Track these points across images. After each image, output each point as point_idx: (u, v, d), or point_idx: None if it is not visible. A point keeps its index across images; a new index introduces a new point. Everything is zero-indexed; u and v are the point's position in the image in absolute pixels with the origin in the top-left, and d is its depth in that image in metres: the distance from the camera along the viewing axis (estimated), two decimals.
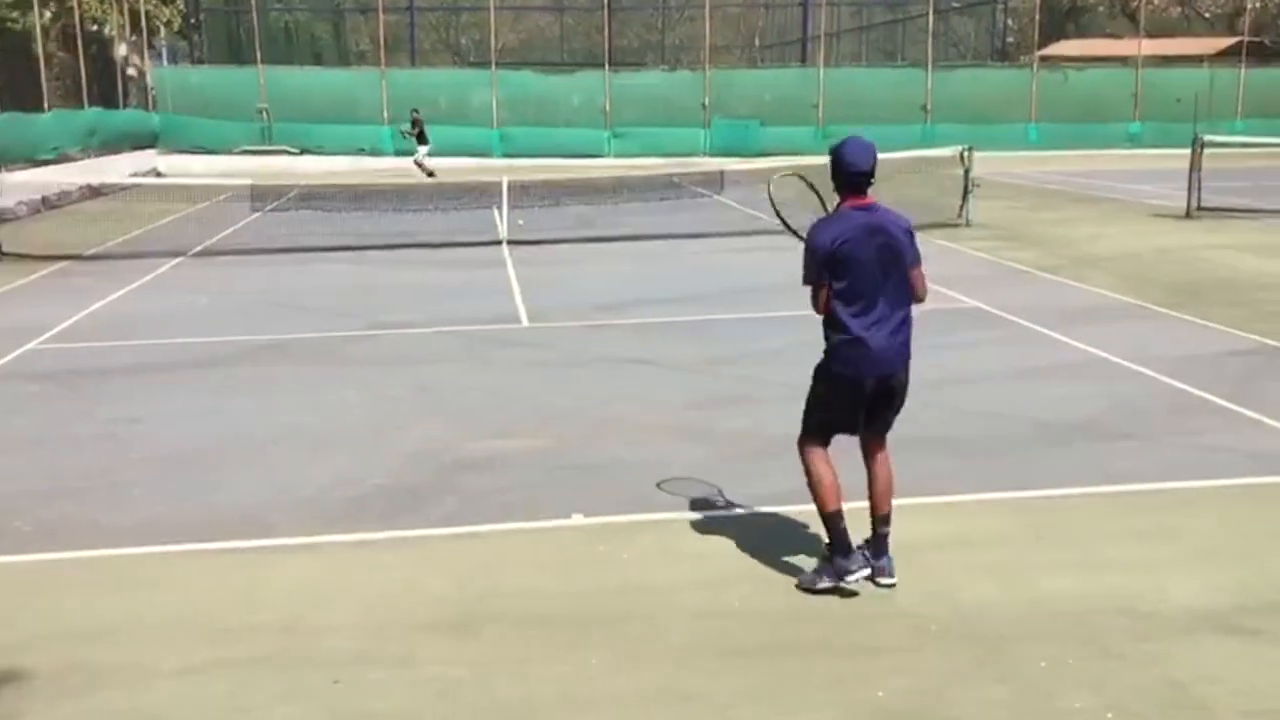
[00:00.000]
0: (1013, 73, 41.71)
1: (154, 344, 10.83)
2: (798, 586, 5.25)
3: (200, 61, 41.95)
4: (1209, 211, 19.56)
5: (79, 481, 6.91)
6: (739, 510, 6.25)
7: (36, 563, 5.72)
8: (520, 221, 18.59)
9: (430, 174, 28.49)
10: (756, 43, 56.77)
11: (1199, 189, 19.52)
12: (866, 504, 5.40)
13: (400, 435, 7.73)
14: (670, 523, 6.10)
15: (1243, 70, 39.82)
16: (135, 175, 29.18)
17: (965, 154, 19.03)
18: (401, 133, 30.71)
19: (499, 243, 17.25)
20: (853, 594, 5.14)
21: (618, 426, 7.88)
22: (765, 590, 5.25)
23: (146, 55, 37.93)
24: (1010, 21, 51.42)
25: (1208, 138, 20.42)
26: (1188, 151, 19.91)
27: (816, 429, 5.38)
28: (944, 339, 10.49)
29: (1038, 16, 42.92)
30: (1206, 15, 55.44)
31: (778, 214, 6.04)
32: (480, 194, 21.56)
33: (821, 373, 5.39)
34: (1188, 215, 19.41)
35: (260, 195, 22.72)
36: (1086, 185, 26.75)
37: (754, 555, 5.67)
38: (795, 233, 5.69)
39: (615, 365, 9.73)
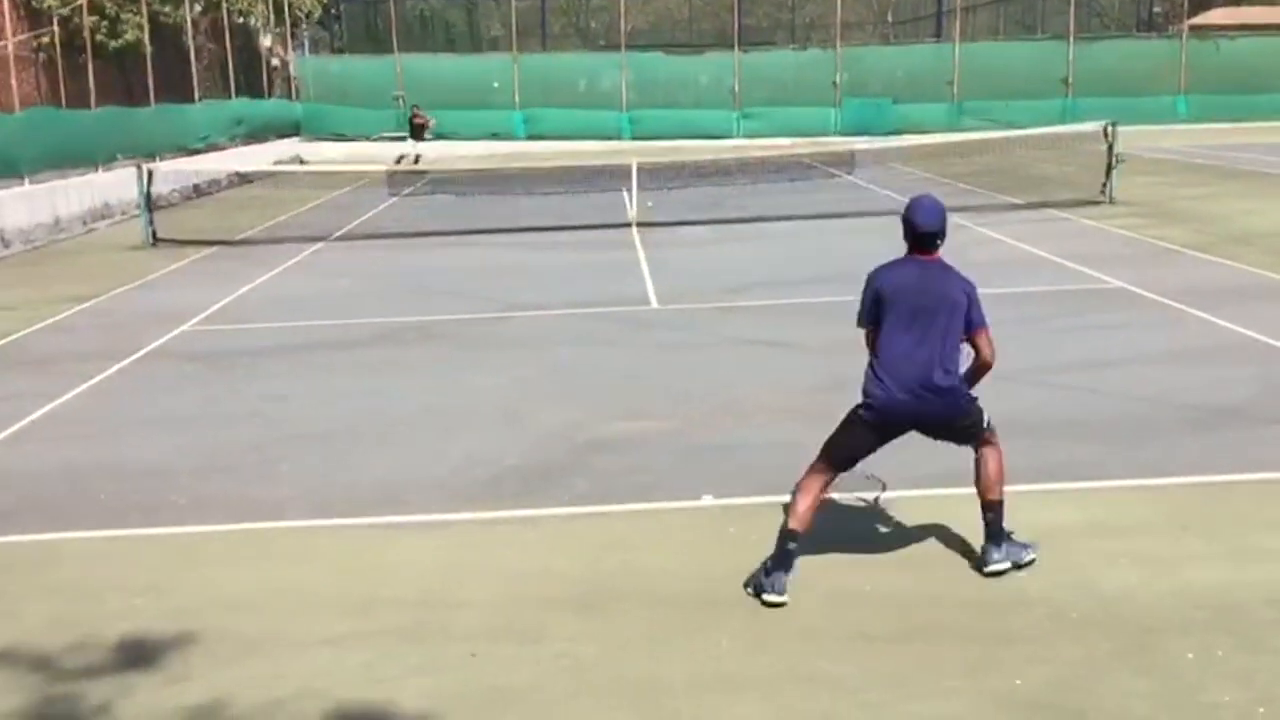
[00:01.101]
0: (1160, 43, 40.02)
1: (298, 326, 11.21)
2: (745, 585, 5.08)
3: (340, 51, 43.09)
4: None
5: (230, 458, 7.20)
6: (868, 493, 6.17)
7: (191, 534, 5.99)
8: (649, 204, 18.65)
9: (402, 159, 27.92)
10: (889, 19, 55.67)
11: None
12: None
13: (532, 416, 7.85)
14: None
15: None
16: (279, 163, 30.18)
17: (1109, 129, 18.38)
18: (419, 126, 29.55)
19: (628, 225, 17.33)
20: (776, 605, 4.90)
21: (747, 409, 7.86)
22: (897, 574, 5.19)
23: (290, 46, 39.10)
24: None
25: None
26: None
27: (825, 452, 5.32)
28: (1087, 320, 10.19)
29: None
30: None
31: None
32: (610, 176, 21.70)
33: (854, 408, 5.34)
34: None
35: (396, 181, 23.29)
36: (1239, 159, 25.56)
37: (884, 539, 5.61)
38: None
39: (744, 347, 9.70)
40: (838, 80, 37.27)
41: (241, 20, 34.33)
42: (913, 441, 6.83)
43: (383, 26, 40.02)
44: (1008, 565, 5.14)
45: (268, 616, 4.99)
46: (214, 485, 6.70)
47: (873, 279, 5.43)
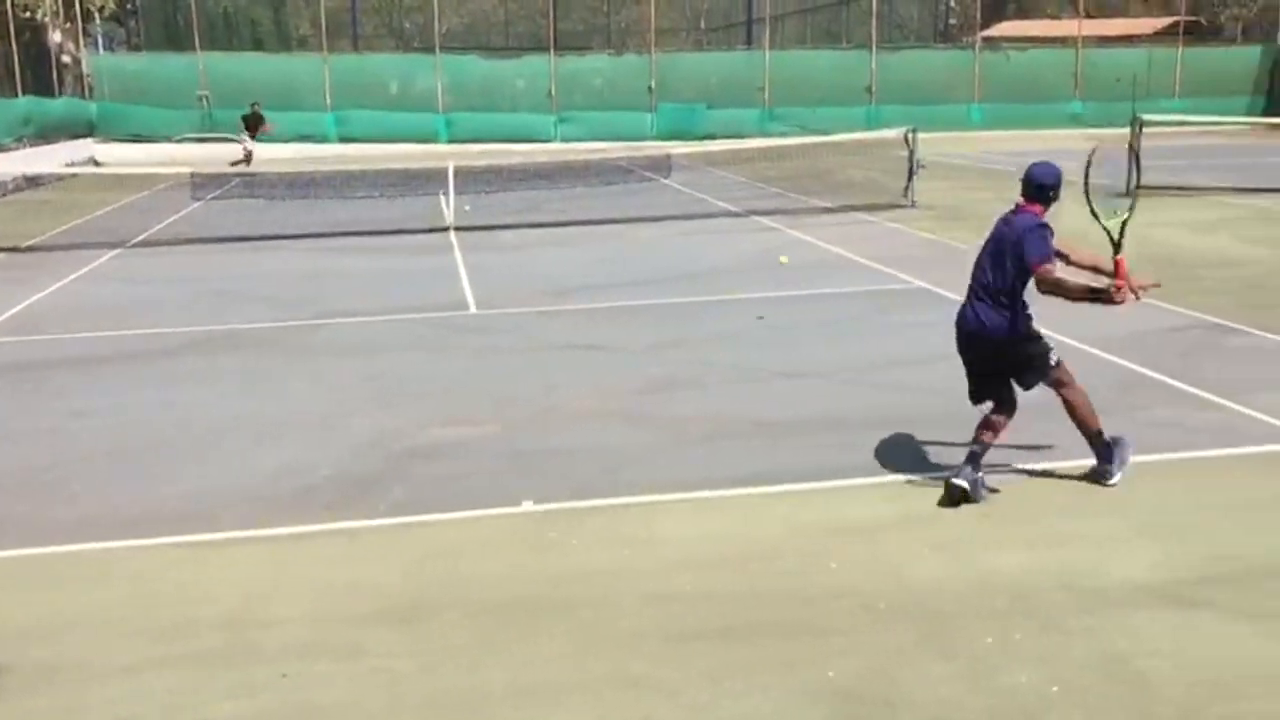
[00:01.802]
0: (956, 54, 41.93)
1: (97, 336, 10.64)
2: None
3: (137, 48, 41.16)
4: (1148, 189, 19.82)
5: (20, 478, 6.78)
6: (688, 494, 6.26)
7: None
8: (467, 207, 18.47)
9: (239, 161, 27.21)
10: (701, 25, 56.71)
11: (1138, 167, 19.78)
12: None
13: (348, 425, 7.67)
14: (620, 508, 6.11)
15: (1180, 49, 40.38)
16: (72, 165, 28.64)
17: (909, 135, 19.16)
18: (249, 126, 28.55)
19: (446, 229, 17.13)
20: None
21: (567, 412, 7.86)
22: (715, 574, 5.27)
23: (82, 43, 37.13)
24: (953, 3, 51.73)
25: (1146, 116, 20.71)
26: (1127, 130, 20.18)
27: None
28: (892, 319, 10.59)
29: None
30: None
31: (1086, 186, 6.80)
32: (426, 180, 21.39)
33: None
34: (1126, 193, 19.64)
35: (201, 184, 22.39)
36: (1028, 164, 27.02)
37: (704, 539, 5.70)
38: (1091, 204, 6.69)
39: (564, 351, 9.71)
40: (653, 85, 37.73)
41: (27, 14, 32.42)
42: (724, 442, 6.98)
43: (183, 23, 38.36)
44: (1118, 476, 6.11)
45: (64, 645, 4.72)
46: (2, 507, 6.29)
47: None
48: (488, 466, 6.81)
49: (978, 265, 6.23)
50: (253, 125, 28.39)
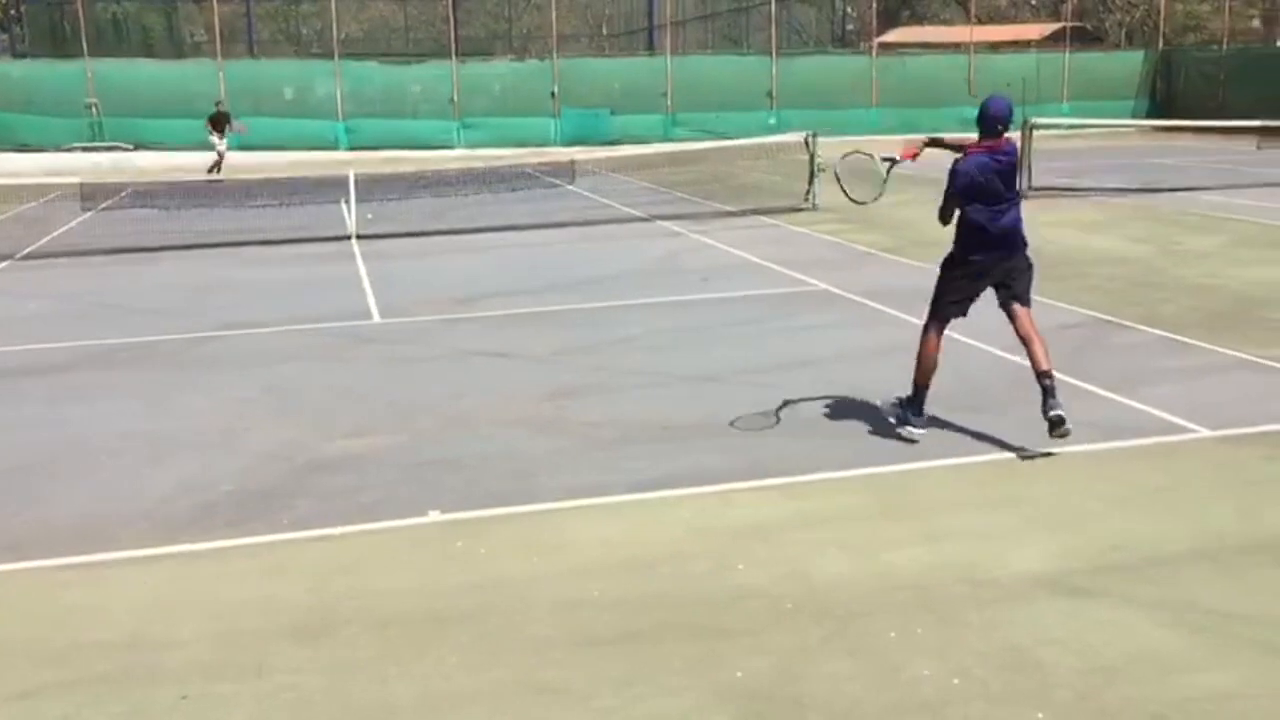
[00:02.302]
0: (854, 59, 42.67)
1: None
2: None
3: (22, 55, 39.89)
4: (1039, 191, 20.40)
5: None
6: (596, 500, 6.27)
7: None
8: (369, 215, 18.25)
9: (214, 166, 26.79)
10: (604, 31, 56.87)
11: (1029, 169, 20.35)
12: None
13: (249, 438, 7.52)
14: (528, 516, 6.09)
15: (1067, 54, 41.61)
16: None
17: (810, 139, 19.43)
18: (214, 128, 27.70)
19: (348, 238, 16.90)
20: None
21: (473, 421, 7.82)
22: (624, 579, 5.28)
23: None
24: (850, 9, 52.65)
25: (1036, 120, 21.28)
26: (1018, 133, 20.71)
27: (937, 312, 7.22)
28: (794, 322, 10.73)
29: (875, 4, 44.01)
30: (1033, 1, 57.71)
31: (844, 189, 7.84)
32: (327, 188, 21.08)
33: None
34: (1020, 195, 20.18)
35: (91, 194, 21.74)
36: (926, 168, 27.58)
37: (612, 544, 5.71)
38: (856, 200, 7.74)
39: (470, 358, 9.65)
40: (556, 91, 37.70)
41: None
42: (631, 447, 7.02)
43: (70, 29, 37.31)
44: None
45: None
46: None
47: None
48: (393, 477, 6.74)
49: (994, 189, 6.98)
50: (219, 126, 27.54)
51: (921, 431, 7.05)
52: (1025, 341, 6.95)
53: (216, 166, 26.71)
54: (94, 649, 4.72)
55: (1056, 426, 6.64)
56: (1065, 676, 4.36)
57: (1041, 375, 6.78)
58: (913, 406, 7.16)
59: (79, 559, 5.64)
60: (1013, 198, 7.02)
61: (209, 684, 4.43)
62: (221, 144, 27.40)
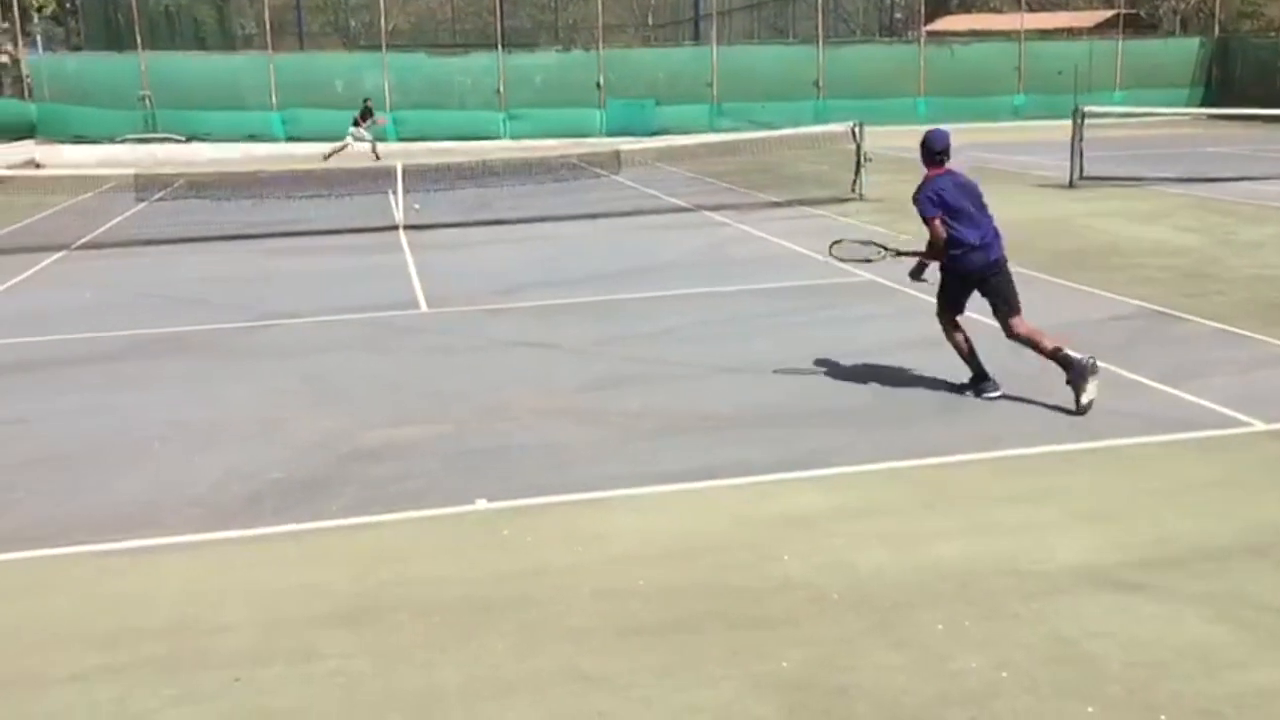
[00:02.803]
0: (901, 48, 42.31)
1: (37, 340, 10.47)
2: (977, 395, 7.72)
3: (78, 48, 40.51)
4: (1091, 180, 20.13)
5: None
6: (638, 490, 6.28)
7: None
8: (416, 206, 18.36)
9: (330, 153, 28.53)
10: (649, 21, 56.80)
11: (1081, 159, 20.08)
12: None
13: (296, 427, 7.60)
14: (571, 505, 6.11)
15: (1120, 42, 40.99)
16: (12, 168, 28.11)
17: (857, 129, 19.28)
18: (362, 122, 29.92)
19: (395, 228, 17.03)
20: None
21: (516, 410, 7.85)
22: (666, 569, 5.29)
23: (20, 42, 36.48)
24: None
25: (1088, 109, 20.99)
26: (1069, 122, 20.45)
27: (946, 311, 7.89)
28: (838, 313, 10.68)
29: None
30: None
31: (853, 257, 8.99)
32: (375, 179, 21.23)
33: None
34: (1070, 185, 19.95)
35: (145, 185, 22.05)
36: (973, 157, 27.31)
37: (654, 534, 5.71)
38: (868, 259, 8.80)
39: (514, 349, 9.69)
40: (601, 82, 37.70)
41: None
42: (672, 438, 7.02)
43: (124, 22, 37.79)
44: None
45: (5, 654, 4.65)
46: None
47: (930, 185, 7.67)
48: (437, 466, 6.78)
49: (968, 213, 7.54)
50: (365, 118, 29.51)
51: (999, 389, 7.70)
52: (1029, 344, 7.57)
53: (374, 153, 28.48)
54: (144, 633, 4.80)
55: (1090, 375, 7.27)
56: (1114, 670, 4.31)
57: (1056, 353, 7.41)
58: (976, 378, 7.81)
59: (129, 544, 5.74)
60: (987, 218, 7.65)
61: (258, 668, 4.50)
62: (365, 135, 29.25)
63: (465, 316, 11.02)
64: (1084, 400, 7.25)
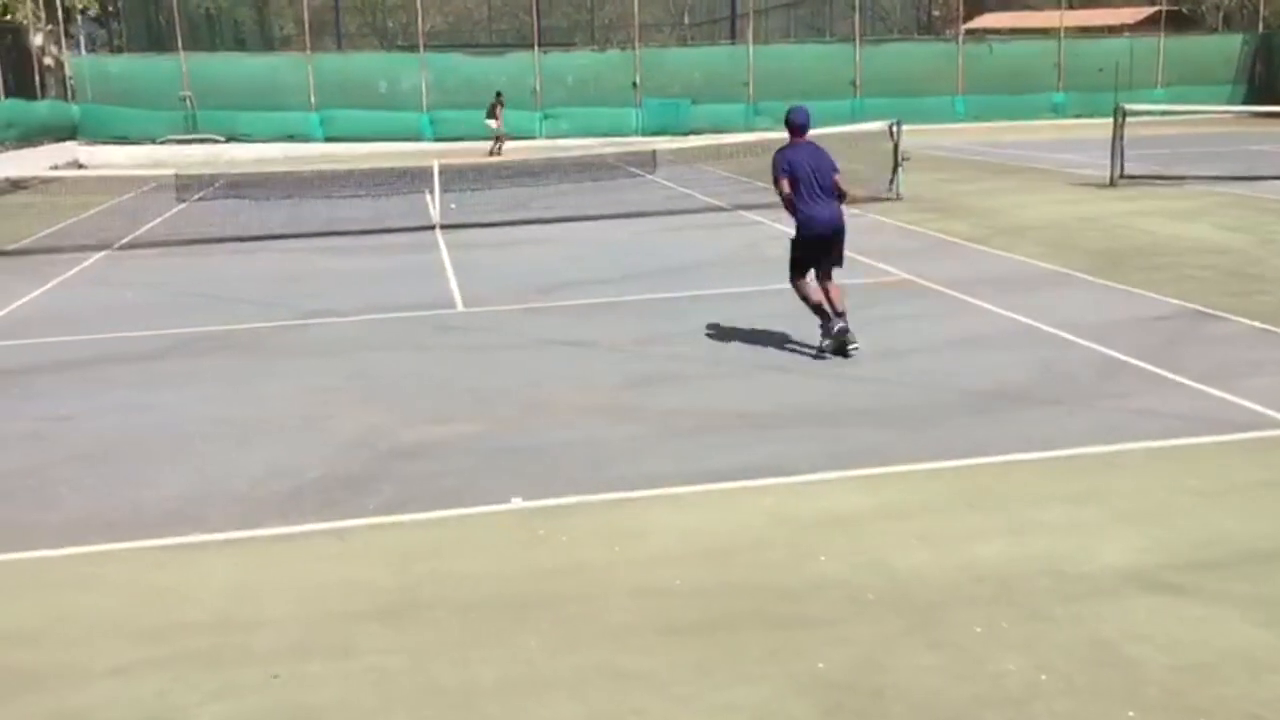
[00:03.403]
0: (939, 46, 42.04)
1: (80, 339, 10.61)
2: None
3: (119, 50, 40.98)
4: (1131, 179, 19.93)
5: (4, 482, 6.76)
6: (676, 489, 6.28)
7: None
8: (453, 205, 18.46)
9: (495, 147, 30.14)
10: (685, 20, 56.73)
11: (1121, 157, 19.88)
12: None
13: (335, 425, 7.66)
14: (608, 503, 6.12)
15: (1161, 39, 40.53)
16: (56, 168, 28.53)
17: (894, 128, 19.19)
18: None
19: (432, 227, 17.12)
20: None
21: (553, 409, 7.87)
22: (703, 567, 5.28)
23: (64, 44, 36.96)
24: None
25: (1129, 106, 20.77)
26: (1110, 121, 20.24)
27: (795, 269, 9.09)
28: (877, 312, 10.61)
29: None
30: None
31: None
32: (411, 179, 21.37)
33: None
34: (1111, 183, 19.76)
35: (185, 185, 22.32)
36: (1012, 156, 27.12)
37: (691, 533, 5.71)
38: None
39: (551, 347, 9.71)
40: (637, 81, 37.72)
41: (8, 17, 32.27)
42: (710, 436, 7.02)
43: (165, 24, 38.20)
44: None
45: (48, 648, 4.71)
46: None
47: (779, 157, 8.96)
48: (475, 464, 6.81)
49: (811, 183, 8.79)
50: (494, 111, 31.05)
51: (839, 326, 8.90)
52: (828, 290, 8.97)
53: (496, 148, 29.89)
54: (186, 628, 4.86)
55: (845, 340, 8.83)
56: (1155, 674, 4.26)
57: (839, 314, 8.91)
58: (824, 326, 9.03)
59: (171, 540, 5.80)
60: (830, 196, 8.84)
61: (297, 663, 4.53)
62: (498, 127, 30.83)
63: (502, 315, 11.06)
64: (823, 345, 8.93)
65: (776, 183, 8.88)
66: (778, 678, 4.31)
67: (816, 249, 8.93)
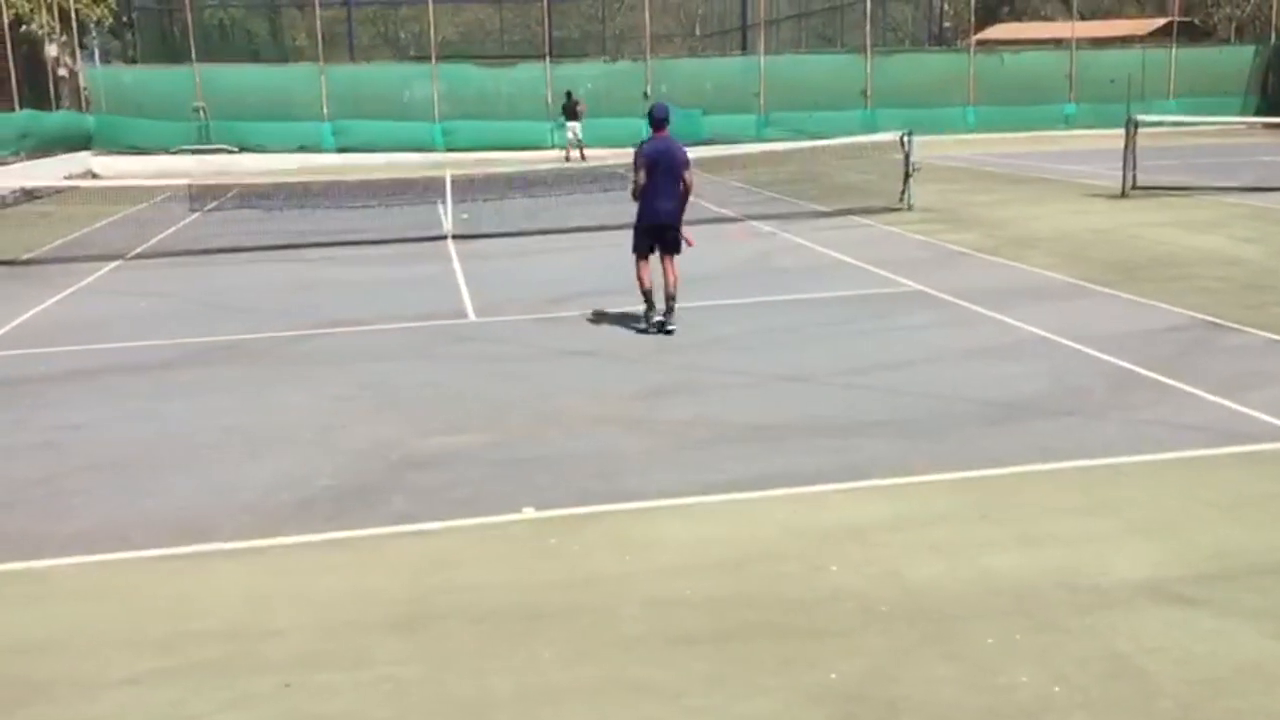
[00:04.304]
0: (950, 57, 42.02)
1: (93, 349, 10.65)
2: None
3: (134, 61, 41.21)
4: (1144, 190, 19.88)
5: (16, 492, 6.78)
6: (688, 499, 6.27)
7: None
8: (465, 215, 18.49)
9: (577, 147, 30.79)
10: (697, 31, 56.83)
11: (1133, 168, 19.84)
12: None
13: (346, 434, 7.67)
14: (620, 513, 6.12)
15: (1173, 50, 40.45)
16: (70, 178, 28.65)
17: (905, 138, 19.18)
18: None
19: (444, 238, 17.15)
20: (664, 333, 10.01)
21: (566, 419, 7.87)
22: (716, 578, 5.27)
23: (78, 55, 37.18)
24: (947, 6, 51.84)
25: (1141, 117, 20.74)
26: (1122, 131, 20.21)
27: (637, 250, 10.41)
28: (887, 323, 10.61)
29: (973, 0, 43.31)
30: None
31: None
32: (423, 189, 21.41)
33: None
34: (1123, 194, 19.72)
35: (198, 195, 22.41)
36: (1024, 167, 27.08)
37: (704, 543, 5.70)
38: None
39: (563, 358, 9.72)
40: (648, 91, 37.75)
41: (23, 28, 32.47)
42: (723, 447, 7.01)
43: (179, 35, 38.44)
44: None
45: (58, 658, 4.72)
46: None
47: (641, 150, 10.15)
48: (487, 474, 6.82)
49: (664, 176, 10.00)
50: (572, 114, 31.59)
51: (651, 327, 10.20)
52: (667, 271, 10.25)
53: (576, 152, 30.51)
54: (198, 637, 4.86)
55: (663, 329, 10.09)
56: (1169, 686, 4.24)
57: (670, 298, 10.14)
58: (648, 312, 10.27)
59: (183, 550, 5.81)
60: (674, 189, 10.07)
61: (310, 673, 4.54)
62: (577, 130, 31.39)
63: (514, 325, 11.08)
64: (647, 327, 10.23)
65: (635, 173, 10.05)
66: (791, 688, 4.30)
67: (651, 235, 10.22)
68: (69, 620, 5.08)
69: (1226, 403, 7.67)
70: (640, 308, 10.55)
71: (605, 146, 34.54)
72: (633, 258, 10.40)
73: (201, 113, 35.69)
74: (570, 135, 31.50)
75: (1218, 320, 10.12)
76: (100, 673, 4.58)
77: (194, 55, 36.39)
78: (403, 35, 52.61)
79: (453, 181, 18.44)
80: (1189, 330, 9.86)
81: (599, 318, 11.26)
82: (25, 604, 5.28)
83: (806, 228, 17.14)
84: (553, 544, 5.74)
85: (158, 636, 4.88)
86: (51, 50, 35.03)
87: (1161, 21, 43.91)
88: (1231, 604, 4.86)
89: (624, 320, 11.08)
